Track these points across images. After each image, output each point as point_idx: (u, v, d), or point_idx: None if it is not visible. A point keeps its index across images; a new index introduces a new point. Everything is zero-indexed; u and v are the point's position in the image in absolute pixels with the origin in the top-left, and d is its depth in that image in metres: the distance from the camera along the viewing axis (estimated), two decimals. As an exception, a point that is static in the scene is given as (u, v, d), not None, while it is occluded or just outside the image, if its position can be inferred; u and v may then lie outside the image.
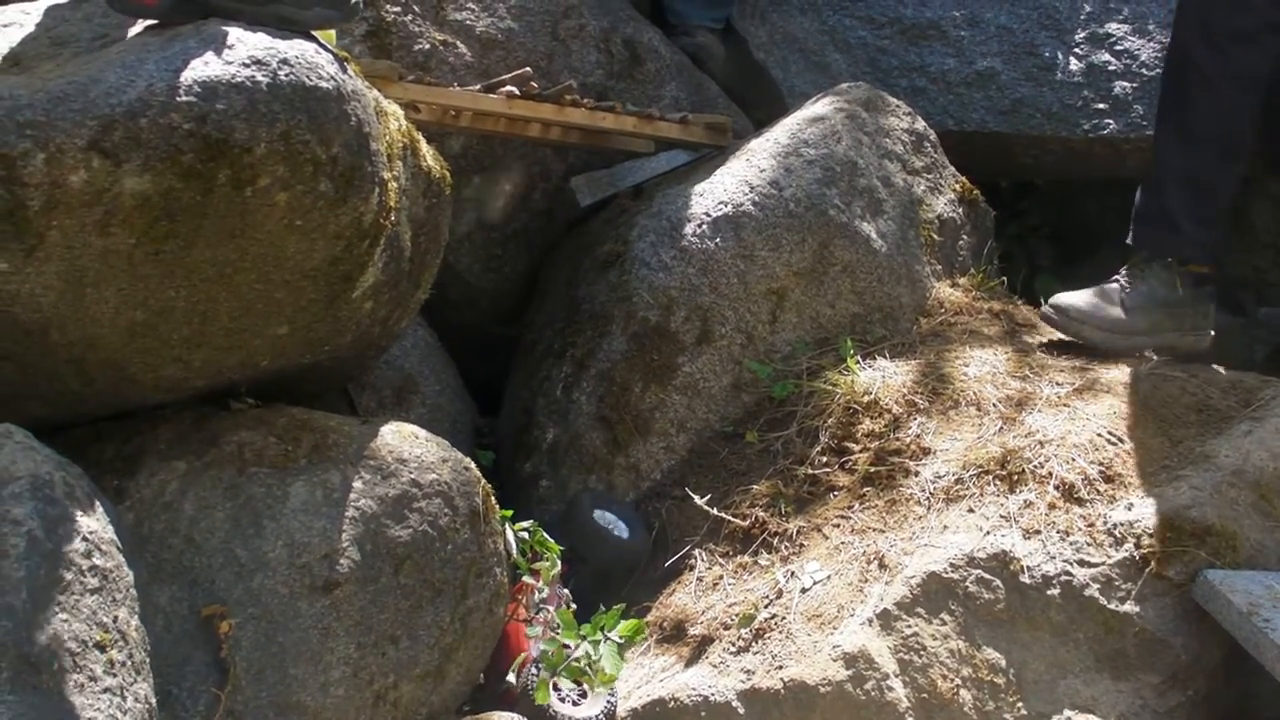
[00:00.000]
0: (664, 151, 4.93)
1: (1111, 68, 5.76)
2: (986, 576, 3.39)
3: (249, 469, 3.23)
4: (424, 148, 3.62)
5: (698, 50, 5.61)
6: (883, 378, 4.07)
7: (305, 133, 2.91)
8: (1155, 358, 4.34)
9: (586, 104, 4.72)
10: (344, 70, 3.10)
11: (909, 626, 3.37)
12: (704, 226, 4.36)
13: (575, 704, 3.54)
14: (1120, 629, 3.35)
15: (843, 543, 3.68)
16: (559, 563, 3.80)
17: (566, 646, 3.59)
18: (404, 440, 3.43)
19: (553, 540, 3.79)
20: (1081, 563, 3.40)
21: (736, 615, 3.62)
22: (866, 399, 3.99)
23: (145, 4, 3.02)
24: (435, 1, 4.84)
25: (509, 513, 3.69)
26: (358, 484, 3.28)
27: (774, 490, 3.93)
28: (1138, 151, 5.78)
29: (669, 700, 3.47)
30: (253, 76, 2.87)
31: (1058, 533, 3.45)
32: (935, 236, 4.70)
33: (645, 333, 4.31)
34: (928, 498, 3.64)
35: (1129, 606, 3.35)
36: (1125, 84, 5.74)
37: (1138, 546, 3.40)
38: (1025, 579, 3.38)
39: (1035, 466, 3.60)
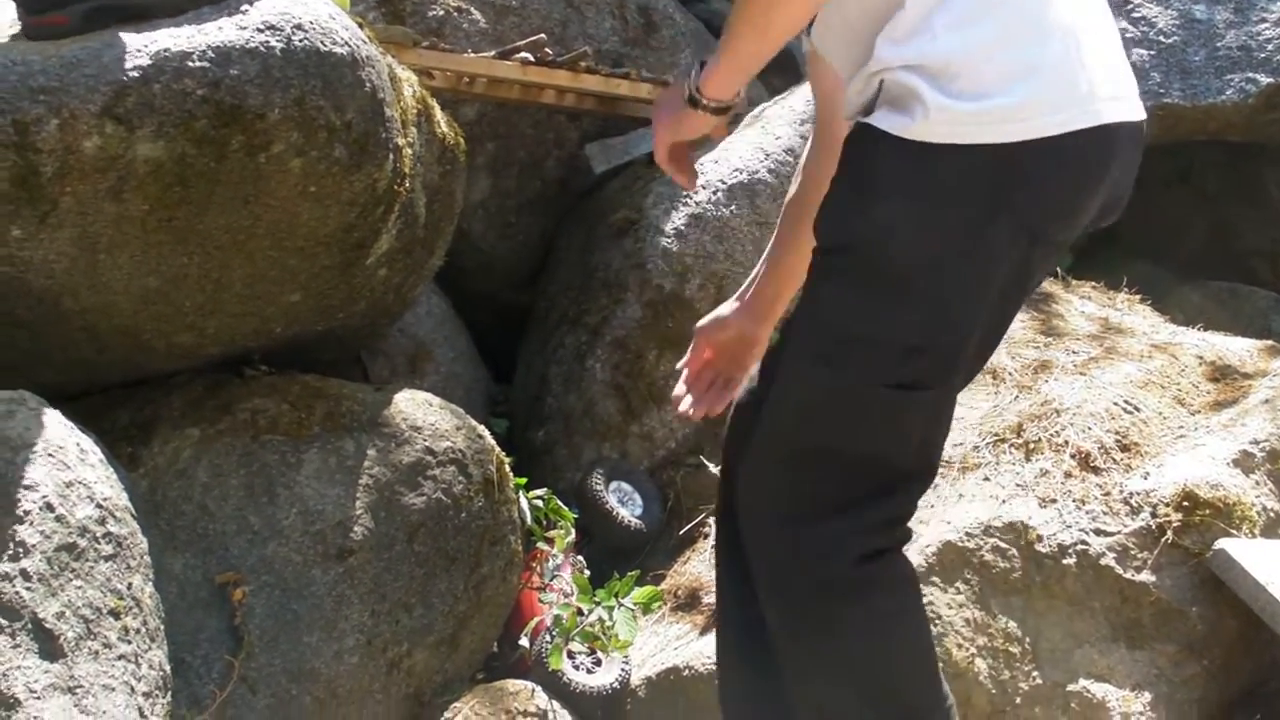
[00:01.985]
0: (679, 119, 4.90)
1: (1129, 35, 5.74)
2: (1002, 545, 3.38)
3: (262, 436, 3.23)
4: (438, 114, 3.61)
5: (712, 17, 5.60)
6: (898, 346, 4.06)
7: (319, 98, 2.90)
8: (1171, 328, 4.32)
9: (601, 71, 4.70)
10: (358, 36, 3.08)
11: (924, 595, 3.35)
12: (719, 194, 4.35)
13: (590, 672, 3.54)
14: (1136, 598, 3.34)
15: (858, 511, 3.67)
16: (574, 530, 3.80)
17: (580, 612, 3.59)
18: (418, 408, 3.42)
19: (566, 508, 3.79)
20: (1098, 532, 3.39)
21: (751, 584, 3.61)
22: (881, 368, 3.97)
23: (56, 24, 2.96)
24: (449, -33, 4.83)
25: (523, 480, 3.69)
26: (371, 452, 3.28)
27: (789, 458, 3.92)
28: (1154, 119, 5.74)
29: (683, 668, 3.47)
30: (267, 42, 2.86)
31: (1074, 502, 3.44)
32: (951, 204, 4.67)
33: (660, 300, 4.30)
34: (944, 466, 3.63)
35: (1145, 576, 3.34)
36: (1142, 51, 5.72)
37: (1154, 516, 3.39)
38: (1041, 548, 3.37)
39: (1052, 435, 3.59)
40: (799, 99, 4.61)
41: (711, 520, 3.91)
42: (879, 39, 2.29)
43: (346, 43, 3.00)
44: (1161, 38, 5.73)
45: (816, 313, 2.39)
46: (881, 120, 2.26)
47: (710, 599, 3.68)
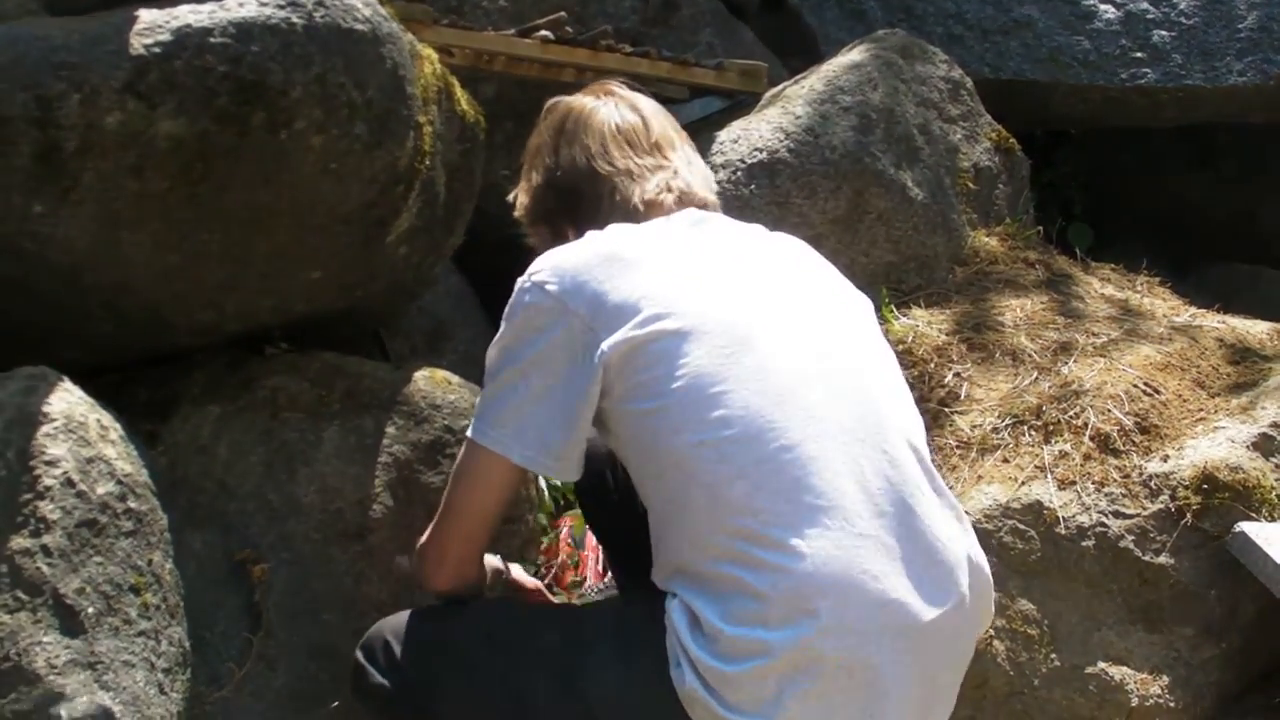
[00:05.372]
0: (698, 98, 4.88)
1: (1150, 16, 5.72)
2: (1021, 527, 3.38)
3: (282, 414, 3.23)
4: (459, 92, 3.60)
5: (733, -4, 5.58)
6: (918, 327, 4.05)
7: (341, 75, 2.90)
8: (1191, 310, 4.31)
9: (621, 50, 4.68)
10: (379, 13, 3.08)
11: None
12: (739, 174, 4.33)
13: None
14: (1155, 581, 3.34)
15: (876, 492, 3.66)
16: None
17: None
18: (437, 386, 3.42)
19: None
20: (1117, 514, 3.39)
21: (769, 564, 3.61)
22: (901, 348, 3.96)
23: None
24: (470, -56, 4.81)
25: (540, 460, 3.69)
26: (390, 430, 3.28)
27: (808, 437, 3.91)
28: (1175, 101, 5.75)
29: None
30: (288, 18, 2.85)
31: (1093, 484, 3.43)
32: (971, 185, 4.66)
33: (679, 280, 4.28)
34: (962, 447, 3.63)
35: (1164, 558, 3.34)
36: (1164, 32, 5.71)
37: (1173, 498, 3.39)
38: (1060, 530, 3.37)
39: (1071, 417, 3.58)
40: (818, 79, 4.59)
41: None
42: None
43: (367, 19, 2.99)
44: (1183, 19, 5.72)
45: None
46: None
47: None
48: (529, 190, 2.95)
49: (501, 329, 2.58)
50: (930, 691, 2.43)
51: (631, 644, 2.47)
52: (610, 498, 3.08)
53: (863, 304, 2.74)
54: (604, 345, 2.43)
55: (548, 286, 2.51)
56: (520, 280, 2.57)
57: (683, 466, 2.39)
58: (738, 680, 2.27)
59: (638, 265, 2.52)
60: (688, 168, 2.83)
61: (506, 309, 2.59)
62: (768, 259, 2.69)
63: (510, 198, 3.00)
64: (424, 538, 2.73)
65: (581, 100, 2.93)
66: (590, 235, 2.66)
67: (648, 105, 2.92)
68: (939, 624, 2.38)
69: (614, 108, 2.88)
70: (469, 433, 2.58)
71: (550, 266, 2.55)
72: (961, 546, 2.48)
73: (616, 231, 2.65)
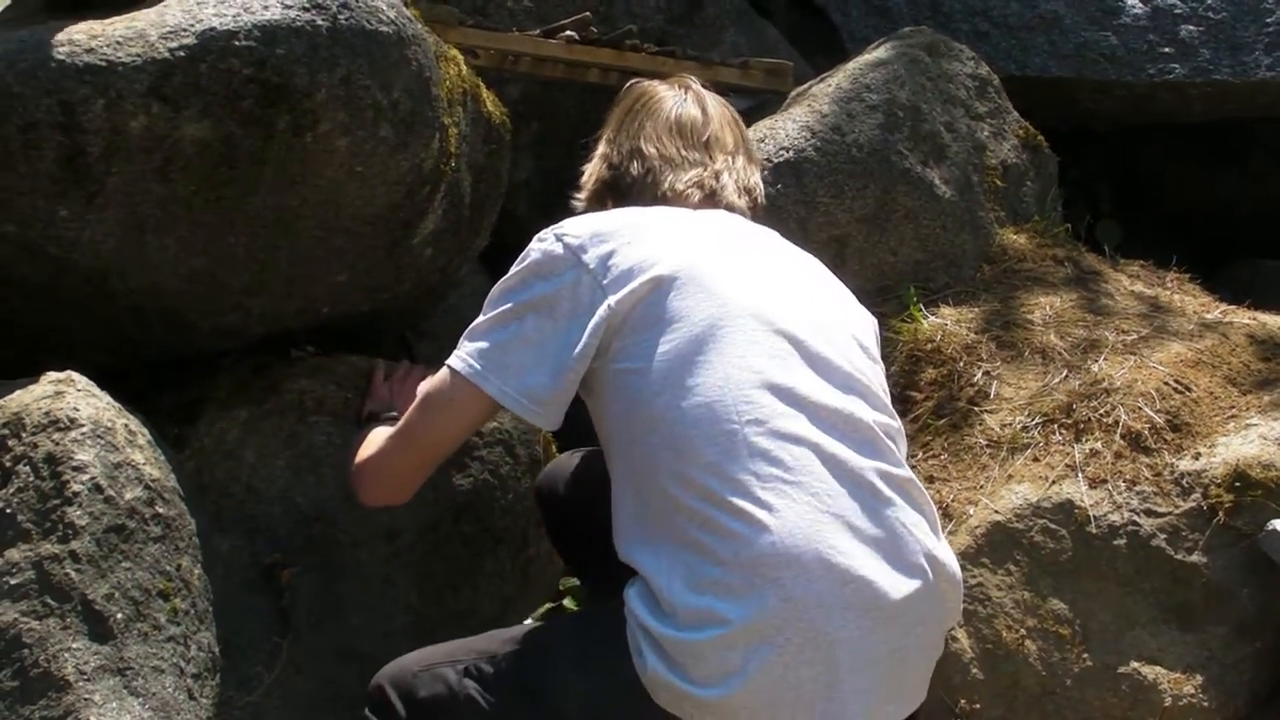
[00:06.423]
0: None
1: (1178, 11, 5.70)
2: (1052, 526, 3.36)
3: (309, 417, 3.23)
4: (484, 93, 3.60)
5: (758, -6, 5.58)
6: (946, 325, 4.03)
7: (366, 77, 2.89)
8: (1221, 307, 4.28)
9: (646, 49, 4.67)
10: (404, 14, 3.07)
11: (974, 576, 3.34)
12: (765, 173, 4.31)
13: None
14: (1187, 580, 3.32)
15: (906, 492, 3.65)
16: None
17: None
18: (464, 388, 3.41)
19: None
20: (1148, 513, 3.37)
21: (798, 564, 3.59)
22: (930, 347, 3.95)
23: None
24: (494, -55, 4.80)
25: (569, 461, 3.69)
26: (418, 432, 3.27)
27: (836, 438, 3.90)
28: (1203, 96, 5.72)
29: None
30: (313, 20, 2.84)
31: (1124, 482, 3.41)
32: (999, 182, 4.64)
33: (705, 279, 4.27)
34: (992, 446, 3.61)
35: (1196, 557, 3.32)
36: (1191, 27, 5.68)
37: (1205, 496, 3.37)
38: (1091, 529, 3.35)
39: (1102, 415, 3.56)
40: (844, 77, 4.57)
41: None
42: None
43: (392, 21, 2.99)
44: (1210, 13, 5.69)
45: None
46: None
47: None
48: (593, 159, 3.03)
49: (509, 272, 2.62)
50: (898, 674, 2.43)
51: (592, 645, 2.49)
52: (571, 508, 3.12)
53: (863, 318, 2.80)
54: (610, 300, 2.48)
55: (566, 239, 2.57)
56: (540, 232, 2.62)
57: (659, 429, 2.41)
58: (700, 650, 2.28)
59: (656, 233, 2.58)
60: (729, 172, 2.89)
61: (520, 256, 2.62)
62: (775, 254, 2.80)
63: (583, 167, 3.05)
64: (373, 451, 2.74)
65: (655, 86, 3.03)
66: (619, 209, 2.76)
67: (715, 106, 3.00)
68: (905, 606, 2.39)
69: (682, 99, 2.97)
70: (448, 361, 2.60)
71: (572, 223, 2.62)
72: (927, 536, 2.49)
73: (644, 207, 2.75)
